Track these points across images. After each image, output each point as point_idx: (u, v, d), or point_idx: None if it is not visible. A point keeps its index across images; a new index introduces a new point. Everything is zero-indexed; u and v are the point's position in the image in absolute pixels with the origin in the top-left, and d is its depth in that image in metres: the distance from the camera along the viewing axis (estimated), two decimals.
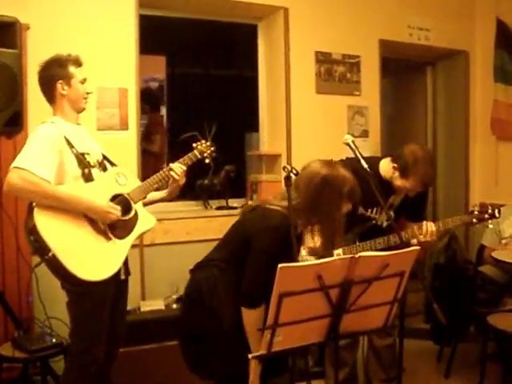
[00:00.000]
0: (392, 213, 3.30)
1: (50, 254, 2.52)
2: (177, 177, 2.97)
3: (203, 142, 3.16)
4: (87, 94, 2.87)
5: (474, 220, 3.11)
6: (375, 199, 2.92)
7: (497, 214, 3.11)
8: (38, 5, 3.69)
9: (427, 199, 3.52)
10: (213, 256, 2.70)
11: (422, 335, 4.77)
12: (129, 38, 3.99)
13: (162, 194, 3.11)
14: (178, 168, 2.98)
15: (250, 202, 3.69)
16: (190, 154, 3.08)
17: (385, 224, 3.30)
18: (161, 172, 2.99)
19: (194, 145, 3.13)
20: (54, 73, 2.79)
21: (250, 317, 2.42)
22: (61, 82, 2.78)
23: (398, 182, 3.18)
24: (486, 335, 3.95)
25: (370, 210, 3.32)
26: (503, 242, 4.46)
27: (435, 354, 4.52)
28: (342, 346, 3.42)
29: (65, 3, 3.77)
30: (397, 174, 3.16)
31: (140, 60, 4.08)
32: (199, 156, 3.10)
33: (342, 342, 3.30)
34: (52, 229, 2.56)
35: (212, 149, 3.15)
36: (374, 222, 3.33)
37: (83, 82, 2.85)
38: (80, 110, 2.88)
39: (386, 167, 3.28)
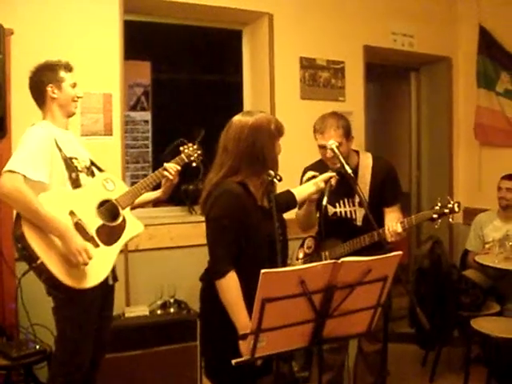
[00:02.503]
0: (364, 209, 3.29)
1: (39, 262, 2.51)
2: (171, 176, 3.00)
3: (190, 145, 3.17)
4: (77, 97, 2.89)
5: (434, 215, 3.07)
6: (338, 193, 3.10)
7: (456, 209, 3.05)
8: (22, 10, 3.68)
9: (397, 184, 3.49)
10: None
11: (407, 339, 4.79)
12: (113, 44, 3.98)
13: (157, 193, 3.13)
14: (172, 168, 3.01)
15: None
16: (177, 158, 3.10)
17: (360, 223, 3.34)
18: (155, 172, 3.02)
19: (181, 148, 3.15)
20: (45, 77, 2.81)
21: (225, 286, 2.33)
22: (51, 85, 2.80)
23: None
24: (469, 339, 3.98)
25: (337, 205, 3.38)
26: (486, 246, 4.50)
27: (420, 358, 4.56)
28: (329, 349, 3.44)
29: (49, 9, 3.76)
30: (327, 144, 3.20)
31: (125, 65, 4.07)
32: (186, 160, 3.12)
33: (328, 345, 3.33)
34: (40, 236, 2.55)
35: (199, 152, 3.17)
36: (354, 223, 3.36)
37: (74, 86, 2.88)
38: (70, 114, 2.90)
39: None
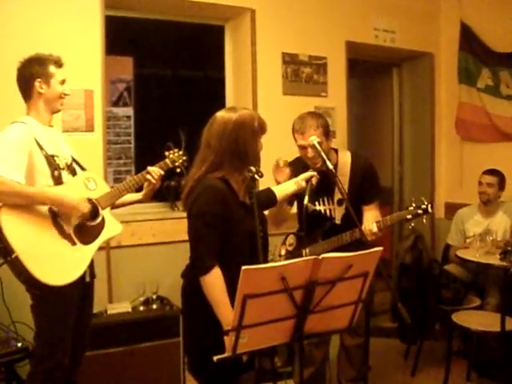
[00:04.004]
0: (344, 207, 3.32)
1: (14, 256, 2.49)
2: (153, 180, 2.99)
3: (176, 150, 3.15)
4: (65, 95, 2.86)
5: (409, 216, 3.14)
6: (317, 191, 3.10)
7: (429, 210, 3.12)
8: (2, 5, 3.64)
9: (376, 182, 3.50)
10: None
11: (389, 334, 4.83)
12: (94, 39, 3.95)
13: (138, 195, 3.11)
14: (155, 172, 3.00)
15: None
16: (161, 163, 3.08)
17: (338, 222, 3.37)
18: (138, 175, 3.01)
19: (166, 153, 3.13)
20: (34, 70, 2.77)
21: (209, 282, 2.31)
22: (39, 80, 2.76)
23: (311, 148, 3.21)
24: (450, 333, 4.02)
25: (317, 203, 3.39)
26: (467, 241, 4.54)
27: (402, 352, 4.59)
28: (310, 343, 3.46)
29: (29, 3, 3.73)
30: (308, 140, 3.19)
31: (107, 61, 4.05)
32: (170, 165, 3.10)
33: (311, 339, 3.36)
34: (17, 230, 2.53)
35: (184, 158, 3.14)
36: (333, 221, 3.37)
37: (62, 82, 2.85)
38: (55, 111, 2.87)
39: None
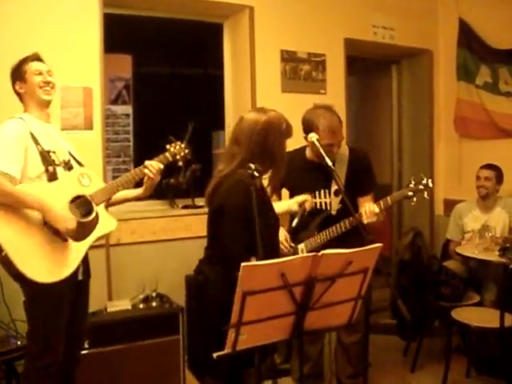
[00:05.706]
0: (340, 197, 3.32)
1: (3, 254, 2.49)
2: (151, 175, 2.93)
3: (178, 143, 3.09)
4: (45, 83, 2.82)
5: (410, 193, 3.15)
6: (316, 184, 3.24)
7: (430, 184, 3.15)
8: (1, 4, 3.63)
9: (371, 173, 3.51)
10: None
11: (389, 331, 4.83)
12: (93, 37, 3.95)
13: (138, 191, 3.06)
14: (153, 166, 2.94)
15: None
16: (160, 156, 3.02)
17: (334, 212, 3.37)
18: (135, 170, 2.96)
19: (167, 146, 3.06)
20: (12, 77, 2.84)
21: None
22: (17, 83, 2.82)
23: (310, 145, 3.29)
24: (450, 329, 4.02)
25: (317, 195, 3.40)
26: (466, 235, 4.55)
27: (401, 349, 4.60)
28: (306, 340, 3.46)
29: (28, 2, 3.72)
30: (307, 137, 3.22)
31: (105, 59, 4.05)
32: (170, 159, 3.04)
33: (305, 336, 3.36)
34: (5, 228, 2.53)
35: (186, 151, 3.08)
36: (327, 212, 3.38)
37: (38, 73, 2.82)
38: (41, 102, 2.83)
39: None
